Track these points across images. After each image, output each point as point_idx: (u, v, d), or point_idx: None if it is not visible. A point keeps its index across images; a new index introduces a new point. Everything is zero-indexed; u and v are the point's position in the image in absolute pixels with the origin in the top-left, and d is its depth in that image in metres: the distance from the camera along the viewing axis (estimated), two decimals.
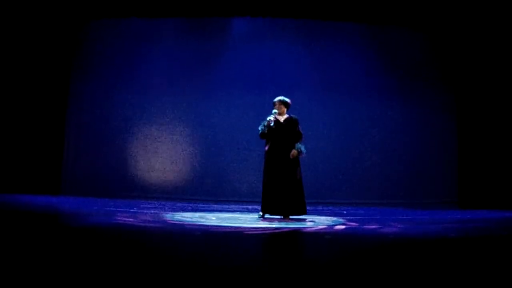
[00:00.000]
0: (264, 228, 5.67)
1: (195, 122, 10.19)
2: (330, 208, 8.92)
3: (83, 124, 10.35)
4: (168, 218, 6.43)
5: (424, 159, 10.04)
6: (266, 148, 6.73)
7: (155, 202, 9.06)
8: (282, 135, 6.60)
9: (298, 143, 6.60)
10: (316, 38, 10.31)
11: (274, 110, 6.71)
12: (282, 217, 6.54)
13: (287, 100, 6.81)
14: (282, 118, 6.72)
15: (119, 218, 6.22)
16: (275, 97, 6.90)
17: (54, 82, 10.15)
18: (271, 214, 6.58)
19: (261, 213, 6.64)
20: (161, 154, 10.16)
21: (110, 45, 10.45)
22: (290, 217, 6.55)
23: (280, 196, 6.47)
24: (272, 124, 6.58)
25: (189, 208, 8.20)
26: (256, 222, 6.23)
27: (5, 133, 9.93)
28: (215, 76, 10.21)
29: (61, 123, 10.26)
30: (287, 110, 6.82)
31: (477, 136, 9.81)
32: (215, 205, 9.11)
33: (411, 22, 10.17)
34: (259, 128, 6.70)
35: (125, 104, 10.25)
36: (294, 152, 6.53)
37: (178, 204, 8.81)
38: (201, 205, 8.96)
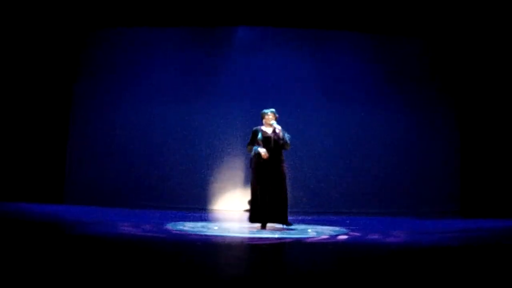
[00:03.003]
0: (266, 238, 5.65)
1: (199, 130, 10.17)
2: (332, 217, 8.82)
3: (86, 132, 10.34)
4: (170, 228, 6.41)
5: (426, 168, 9.99)
6: (253, 157, 6.68)
7: (158, 211, 8.99)
8: (269, 145, 6.57)
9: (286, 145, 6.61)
10: (319, 47, 10.31)
11: (275, 124, 6.64)
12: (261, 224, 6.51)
13: (276, 113, 6.85)
14: (270, 130, 6.73)
15: (121, 228, 6.21)
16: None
17: (58, 90, 10.14)
18: (259, 222, 6.53)
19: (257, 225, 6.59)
20: (165, 162, 10.12)
21: (114, 54, 10.46)
22: (269, 224, 6.52)
23: (269, 205, 6.45)
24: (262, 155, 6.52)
25: (192, 217, 8.18)
26: (259, 232, 6.22)
27: (8, 142, 9.90)
28: (218, 84, 10.20)
29: (64, 132, 10.24)
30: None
31: (479, 144, 9.74)
32: (218, 214, 9.05)
33: (413, 31, 10.13)
34: (253, 151, 6.63)
35: (129, 113, 10.25)
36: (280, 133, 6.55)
37: (181, 213, 8.75)
38: (204, 214, 8.94)
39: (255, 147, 6.61)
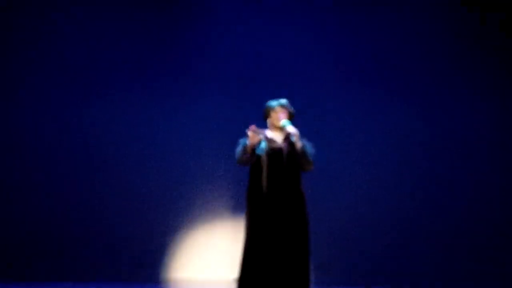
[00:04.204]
0: None
1: (158, 146, 9.79)
2: None
3: None
4: None
5: None
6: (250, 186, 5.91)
7: (98, 286, 8.74)
8: (280, 164, 5.83)
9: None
10: (349, 7, 10.10)
11: (290, 127, 5.92)
12: None
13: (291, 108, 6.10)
14: (280, 137, 5.93)
15: None
16: (272, 98, 6.17)
17: None
18: None
19: None
20: (102, 204, 9.56)
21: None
22: None
23: (276, 269, 5.79)
24: (261, 151, 5.84)
25: None
26: None
27: None
28: (187, 69, 9.95)
29: None
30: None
31: None
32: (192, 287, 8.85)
33: None
34: (237, 152, 5.94)
35: (37, 120, 9.69)
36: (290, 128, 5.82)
37: None
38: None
39: (242, 141, 5.87)
